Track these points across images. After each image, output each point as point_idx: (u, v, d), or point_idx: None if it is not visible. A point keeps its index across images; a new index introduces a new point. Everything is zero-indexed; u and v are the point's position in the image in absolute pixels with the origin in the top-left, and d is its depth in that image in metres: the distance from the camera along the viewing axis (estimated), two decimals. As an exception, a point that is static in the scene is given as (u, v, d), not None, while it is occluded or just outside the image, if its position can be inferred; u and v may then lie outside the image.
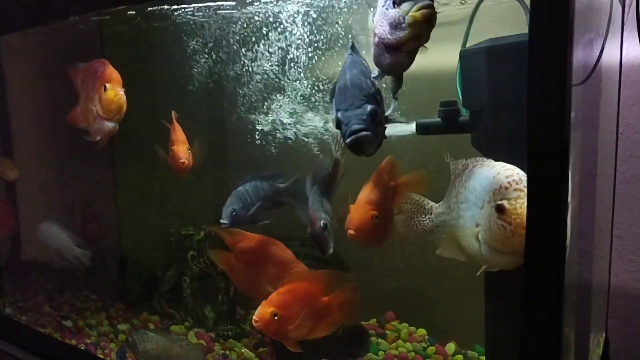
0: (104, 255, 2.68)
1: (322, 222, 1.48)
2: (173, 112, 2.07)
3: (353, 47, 1.36)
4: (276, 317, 1.52)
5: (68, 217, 2.74)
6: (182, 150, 2.02)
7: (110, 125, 1.85)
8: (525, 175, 1.05)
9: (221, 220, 1.79)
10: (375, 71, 1.27)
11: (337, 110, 1.25)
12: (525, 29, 1.40)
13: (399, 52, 1.12)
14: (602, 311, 1.82)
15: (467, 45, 1.50)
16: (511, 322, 0.99)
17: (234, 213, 1.77)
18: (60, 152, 2.86)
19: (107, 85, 1.79)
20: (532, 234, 0.91)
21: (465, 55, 1.41)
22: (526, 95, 0.88)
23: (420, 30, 1.06)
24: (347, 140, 1.20)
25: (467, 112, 1.50)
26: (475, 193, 1.18)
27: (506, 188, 1.08)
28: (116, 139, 2.55)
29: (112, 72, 1.81)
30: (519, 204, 1.04)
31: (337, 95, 1.28)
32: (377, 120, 1.23)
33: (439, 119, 1.54)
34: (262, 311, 1.53)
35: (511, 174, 1.10)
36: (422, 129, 1.59)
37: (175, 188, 2.44)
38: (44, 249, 2.50)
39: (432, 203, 1.46)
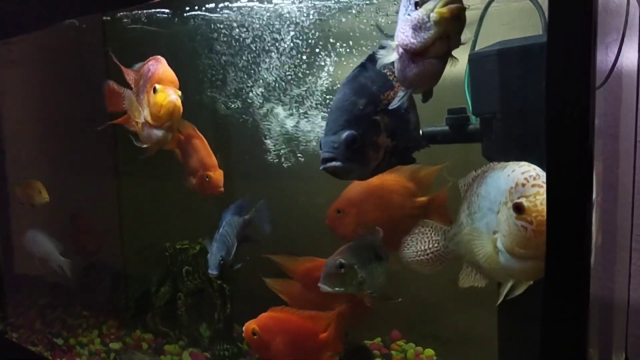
0: (97, 269, 2.61)
1: (341, 259, 1.42)
2: (195, 130, 1.93)
3: (370, 58, 1.25)
4: (255, 336, 1.56)
5: (63, 229, 2.64)
6: (220, 177, 1.89)
7: (159, 133, 1.60)
8: (543, 171, 0.98)
9: (209, 271, 1.72)
10: (400, 92, 1.17)
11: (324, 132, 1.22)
12: (536, 31, 1.34)
13: (425, 58, 1.02)
14: (622, 329, 1.74)
15: (477, 49, 1.44)
16: (528, 340, 0.92)
17: (221, 261, 1.71)
18: (60, 159, 2.79)
19: (157, 86, 1.54)
20: (554, 244, 0.83)
21: (475, 59, 1.35)
22: (546, 99, 0.82)
23: (448, 28, 0.97)
24: (321, 167, 1.19)
25: (477, 120, 1.44)
26: (490, 197, 1.10)
27: (523, 185, 1.01)
28: (120, 145, 2.48)
29: (165, 72, 1.58)
30: (539, 201, 0.96)
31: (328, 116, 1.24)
32: (357, 147, 1.16)
33: (446, 127, 1.48)
34: (247, 325, 1.59)
35: (527, 170, 1.03)
36: (429, 138, 1.52)
37: (182, 199, 2.34)
38: (30, 258, 2.42)
39: (444, 227, 1.36)
